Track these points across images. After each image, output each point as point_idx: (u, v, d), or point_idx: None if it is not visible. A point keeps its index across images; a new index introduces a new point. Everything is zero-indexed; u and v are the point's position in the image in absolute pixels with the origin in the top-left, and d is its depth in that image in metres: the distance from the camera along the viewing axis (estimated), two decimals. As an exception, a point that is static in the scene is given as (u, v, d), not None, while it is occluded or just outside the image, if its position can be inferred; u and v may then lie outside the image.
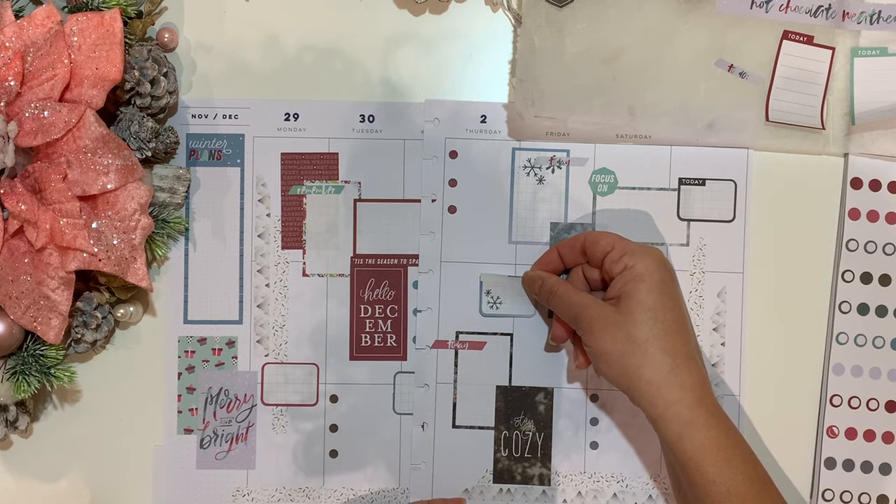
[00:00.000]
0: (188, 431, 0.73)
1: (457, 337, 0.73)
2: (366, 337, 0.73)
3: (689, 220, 0.73)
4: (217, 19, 0.73)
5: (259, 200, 0.73)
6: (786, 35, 0.71)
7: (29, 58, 0.64)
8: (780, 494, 0.63)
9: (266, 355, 0.73)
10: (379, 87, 0.73)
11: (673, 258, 0.72)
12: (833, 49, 0.71)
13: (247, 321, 0.73)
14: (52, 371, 0.67)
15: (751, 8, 0.70)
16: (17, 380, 0.67)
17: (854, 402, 0.72)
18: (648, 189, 0.73)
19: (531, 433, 0.73)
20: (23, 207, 0.64)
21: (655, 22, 0.70)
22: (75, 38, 0.65)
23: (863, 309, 0.72)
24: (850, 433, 0.72)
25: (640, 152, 0.72)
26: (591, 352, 0.65)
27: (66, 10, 0.67)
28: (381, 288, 0.73)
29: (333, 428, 0.73)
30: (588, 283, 0.69)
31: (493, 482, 0.73)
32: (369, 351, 0.73)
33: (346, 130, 0.73)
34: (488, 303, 0.72)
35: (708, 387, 0.63)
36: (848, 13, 0.71)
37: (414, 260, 0.73)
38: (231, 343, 0.73)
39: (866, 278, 0.72)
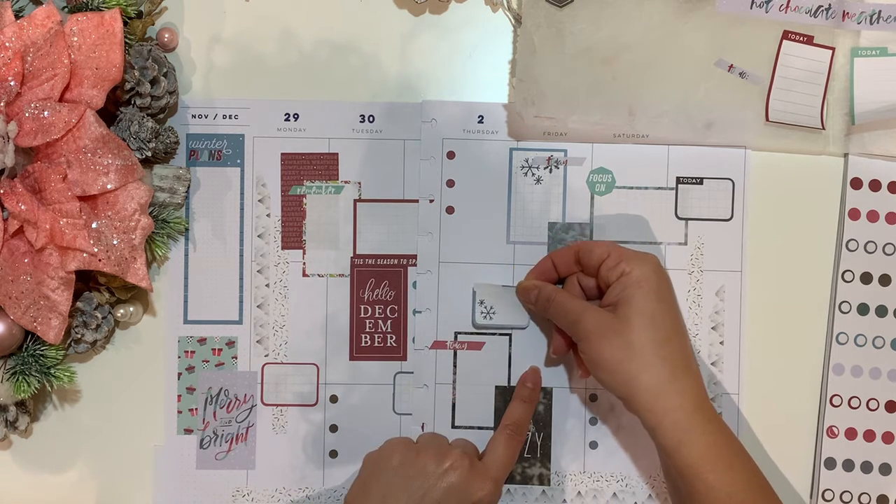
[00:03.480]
0: (188, 431, 0.73)
1: (455, 337, 0.73)
2: (366, 337, 0.73)
3: (686, 220, 0.73)
4: (217, 19, 0.73)
5: (259, 200, 0.73)
6: (786, 35, 0.71)
7: (29, 58, 0.65)
8: (780, 499, 0.63)
9: (266, 355, 0.73)
10: (379, 87, 0.73)
11: (671, 257, 0.72)
12: (833, 49, 0.71)
13: (247, 321, 0.73)
14: (52, 371, 0.67)
15: (751, 8, 0.70)
16: (17, 380, 0.67)
17: (854, 402, 0.72)
18: (646, 188, 0.73)
19: (530, 433, 0.73)
20: (23, 207, 0.64)
21: (655, 22, 0.70)
22: (75, 38, 0.65)
23: (863, 309, 0.72)
24: (850, 433, 0.72)
25: (638, 151, 0.72)
26: (588, 359, 0.64)
27: (66, 10, 0.68)
28: (381, 288, 0.73)
29: (333, 428, 0.73)
30: (584, 292, 0.68)
31: (493, 482, 0.73)
32: (369, 351, 0.73)
33: (346, 130, 0.73)
34: (482, 313, 0.72)
35: (705, 393, 0.63)
36: (848, 13, 0.70)
37: (414, 260, 0.73)
38: (231, 343, 0.73)
39: (866, 278, 0.72)
